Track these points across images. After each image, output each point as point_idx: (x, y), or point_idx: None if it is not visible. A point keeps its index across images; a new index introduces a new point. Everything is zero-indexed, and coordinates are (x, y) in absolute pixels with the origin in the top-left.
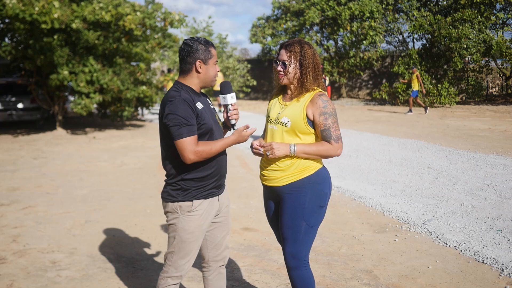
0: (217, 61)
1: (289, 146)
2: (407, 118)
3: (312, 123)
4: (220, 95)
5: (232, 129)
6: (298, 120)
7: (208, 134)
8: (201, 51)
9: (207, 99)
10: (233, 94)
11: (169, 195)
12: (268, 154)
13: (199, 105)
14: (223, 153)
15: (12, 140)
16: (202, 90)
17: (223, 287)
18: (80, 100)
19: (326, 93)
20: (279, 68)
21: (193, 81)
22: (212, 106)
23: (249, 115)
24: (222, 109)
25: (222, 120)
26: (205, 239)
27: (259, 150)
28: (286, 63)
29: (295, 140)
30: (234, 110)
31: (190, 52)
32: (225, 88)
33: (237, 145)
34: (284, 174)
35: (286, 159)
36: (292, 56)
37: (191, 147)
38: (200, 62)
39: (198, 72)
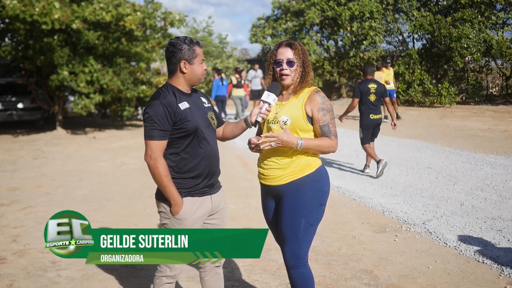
0: (203, 59)
1: (297, 139)
2: (407, 118)
3: (311, 119)
4: (266, 91)
5: (254, 126)
6: (298, 117)
7: (193, 133)
8: (185, 50)
9: (201, 97)
10: (276, 98)
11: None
12: (272, 144)
13: (184, 105)
14: (214, 152)
15: (12, 140)
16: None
17: (220, 287)
18: (80, 100)
19: (320, 90)
20: (285, 66)
21: (179, 81)
22: (207, 105)
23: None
24: (259, 102)
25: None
26: None
27: (266, 140)
28: (295, 60)
29: None
30: (267, 110)
31: (174, 53)
32: (275, 89)
33: (237, 145)
34: (285, 173)
35: (286, 157)
36: (297, 55)
37: (154, 152)
38: (184, 62)
39: (183, 72)
